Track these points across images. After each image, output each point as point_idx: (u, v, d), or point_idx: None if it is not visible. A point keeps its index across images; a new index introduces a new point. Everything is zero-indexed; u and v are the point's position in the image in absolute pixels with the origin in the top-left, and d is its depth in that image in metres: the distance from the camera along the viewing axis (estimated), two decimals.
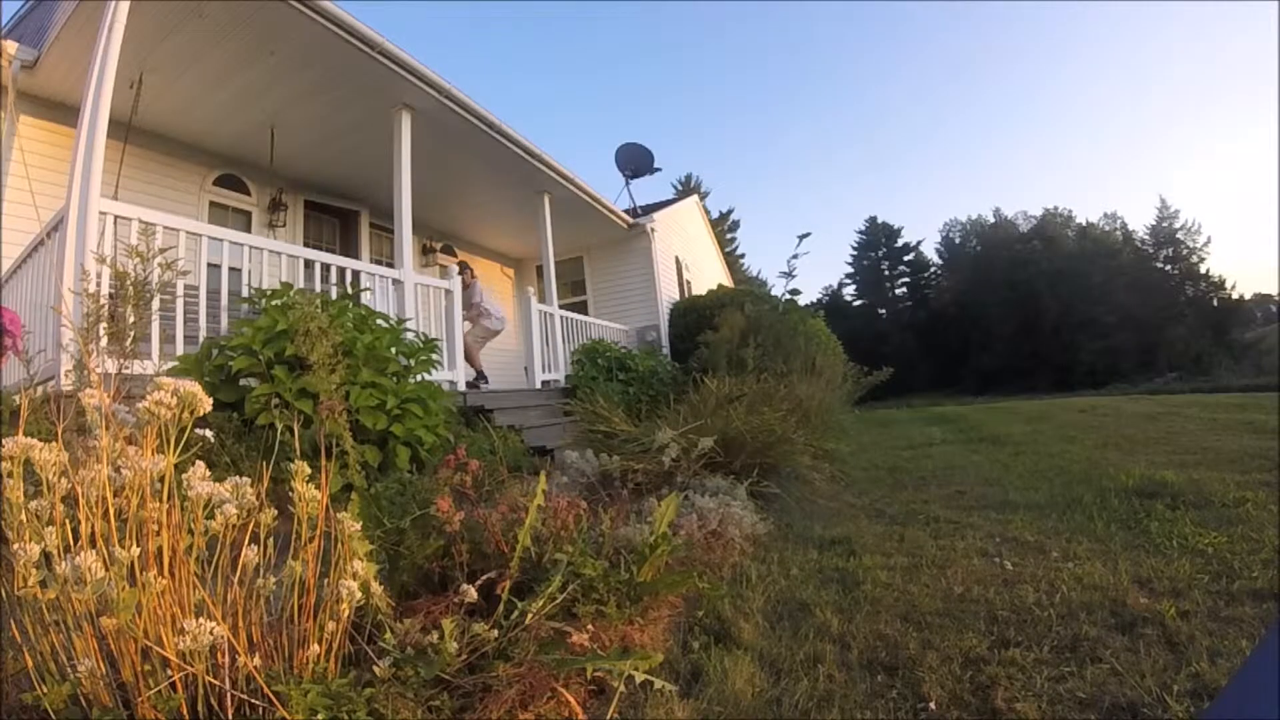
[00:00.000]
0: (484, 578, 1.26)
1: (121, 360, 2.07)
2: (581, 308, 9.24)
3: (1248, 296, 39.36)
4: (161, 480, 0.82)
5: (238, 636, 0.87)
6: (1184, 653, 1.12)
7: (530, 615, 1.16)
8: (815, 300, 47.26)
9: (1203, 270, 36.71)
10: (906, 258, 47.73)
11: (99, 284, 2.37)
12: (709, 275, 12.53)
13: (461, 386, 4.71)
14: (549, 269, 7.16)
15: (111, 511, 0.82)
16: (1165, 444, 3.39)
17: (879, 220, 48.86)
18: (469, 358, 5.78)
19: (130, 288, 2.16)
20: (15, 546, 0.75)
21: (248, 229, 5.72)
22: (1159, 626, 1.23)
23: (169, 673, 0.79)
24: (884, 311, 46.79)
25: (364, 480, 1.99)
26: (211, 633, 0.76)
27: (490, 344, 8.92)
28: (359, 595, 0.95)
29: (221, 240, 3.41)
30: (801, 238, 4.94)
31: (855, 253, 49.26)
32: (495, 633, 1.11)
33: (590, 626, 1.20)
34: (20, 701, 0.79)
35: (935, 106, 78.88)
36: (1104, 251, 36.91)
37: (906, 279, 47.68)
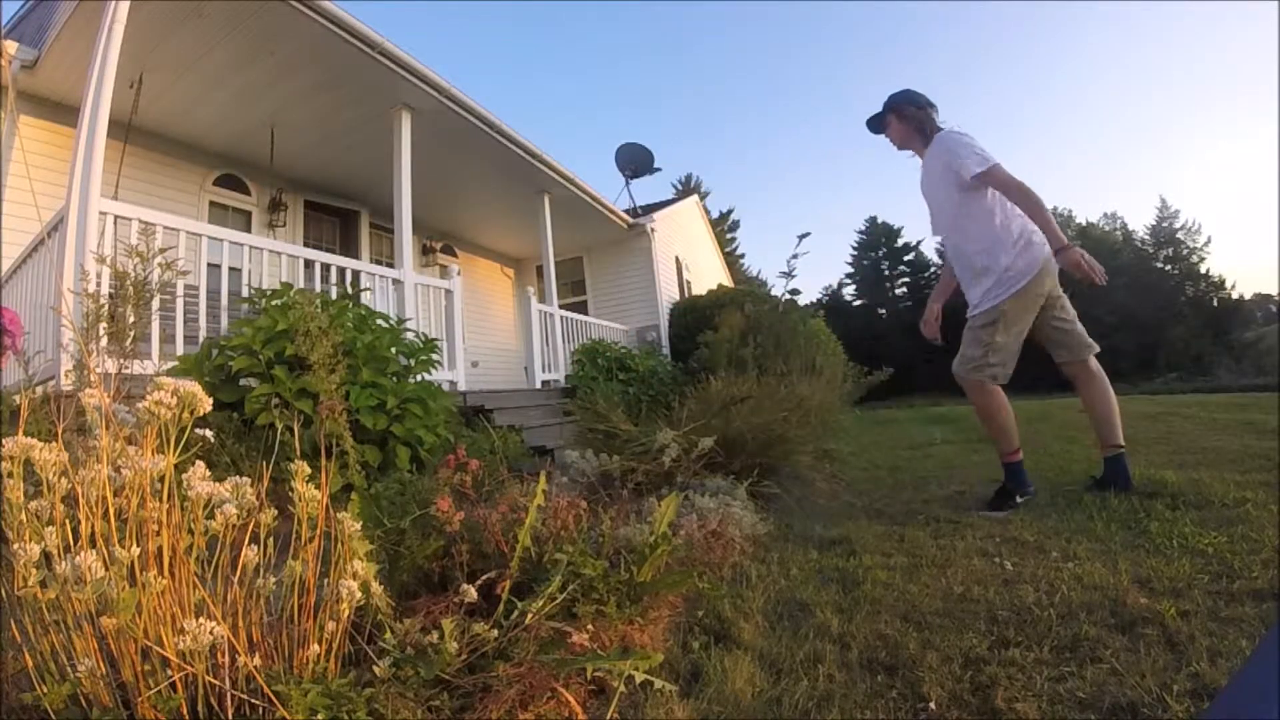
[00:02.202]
0: (484, 578, 1.26)
1: (121, 360, 2.07)
2: (581, 308, 9.25)
3: (1248, 296, 39.39)
4: (161, 480, 0.83)
5: (238, 636, 0.87)
6: (1184, 653, 1.12)
7: (530, 615, 1.16)
8: (815, 300, 47.20)
9: (1203, 270, 36.72)
10: (906, 258, 47.68)
11: (99, 284, 2.38)
12: (709, 275, 12.54)
13: (461, 386, 4.71)
14: (549, 269, 7.17)
15: (111, 511, 0.82)
16: (1165, 444, 3.38)
17: (879, 220, 48.80)
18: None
19: (130, 288, 2.16)
20: (15, 546, 0.75)
21: (248, 229, 5.73)
22: (1159, 626, 1.23)
23: (169, 673, 0.79)
24: (884, 311, 46.76)
25: (364, 480, 1.99)
26: (211, 633, 0.76)
27: (490, 344, 8.95)
28: (359, 595, 0.95)
29: (221, 240, 3.41)
30: (801, 237, 4.92)
31: (855, 253, 49.23)
32: (495, 633, 1.11)
33: (590, 626, 1.20)
34: (20, 701, 0.79)
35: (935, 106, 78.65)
36: (1104, 251, 36.86)
37: (906, 279, 47.63)
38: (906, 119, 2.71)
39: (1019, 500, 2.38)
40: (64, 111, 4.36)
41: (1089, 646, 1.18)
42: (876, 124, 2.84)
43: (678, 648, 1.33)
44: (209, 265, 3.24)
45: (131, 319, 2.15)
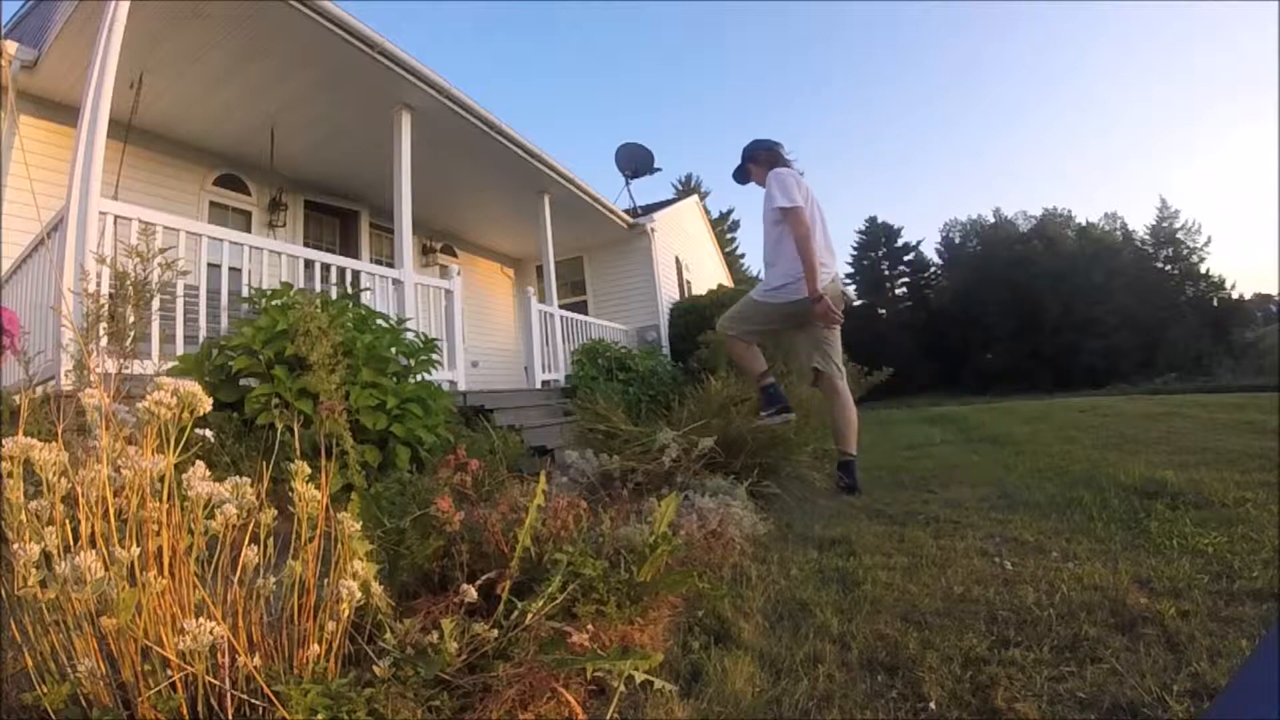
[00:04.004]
0: (484, 578, 1.26)
1: (121, 360, 2.07)
2: (581, 308, 9.24)
3: (1248, 296, 39.39)
4: (161, 480, 0.82)
5: (238, 636, 0.87)
6: (1184, 653, 1.12)
7: (530, 615, 1.16)
8: None
9: (1203, 270, 36.74)
10: (906, 258, 47.72)
11: (99, 284, 2.38)
12: (709, 275, 12.54)
13: (461, 386, 4.71)
14: (549, 269, 7.17)
15: (111, 511, 0.82)
16: (1165, 444, 3.38)
17: (879, 220, 48.86)
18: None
19: (130, 288, 2.16)
20: (15, 546, 0.75)
21: (248, 229, 5.73)
22: (1159, 626, 1.23)
23: (169, 673, 0.79)
24: (884, 311, 46.78)
25: (364, 480, 1.99)
26: (211, 633, 0.76)
27: (490, 344, 8.94)
28: (359, 595, 0.95)
29: (221, 240, 3.41)
30: None
31: (855, 253, 49.28)
32: (495, 633, 1.11)
33: (590, 626, 1.20)
34: (20, 701, 0.79)
35: (935, 107, 78.99)
36: (1104, 251, 36.92)
37: (906, 279, 47.68)
38: (760, 163, 3.30)
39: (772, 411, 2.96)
40: (64, 111, 4.36)
41: (1089, 646, 1.18)
42: (741, 175, 3.44)
43: (678, 648, 1.33)
44: (209, 265, 3.24)
45: (131, 319, 2.15)
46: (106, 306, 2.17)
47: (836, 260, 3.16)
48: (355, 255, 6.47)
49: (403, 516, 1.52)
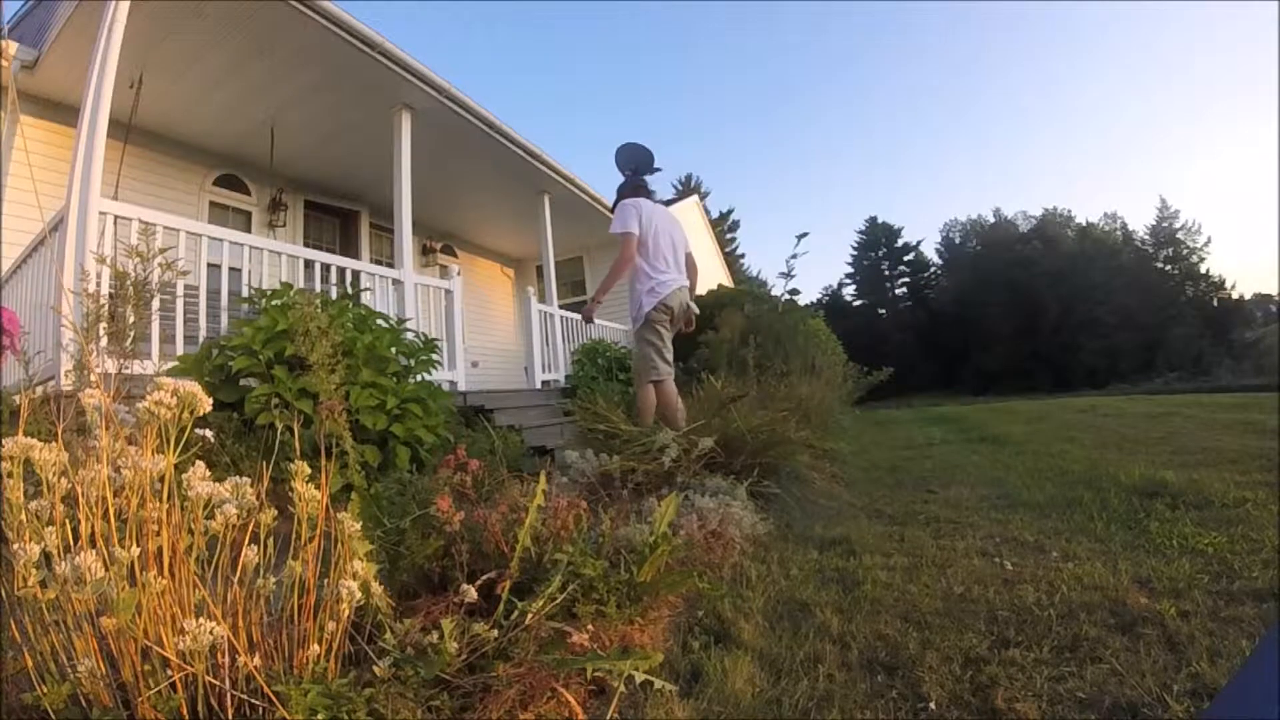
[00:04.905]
0: (484, 578, 1.26)
1: (121, 360, 2.07)
2: (581, 308, 9.22)
3: (1248, 296, 39.39)
4: (161, 480, 0.82)
5: (238, 636, 0.87)
6: (1184, 653, 1.12)
7: (530, 615, 1.16)
8: (815, 300, 47.32)
9: (1203, 270, 36.76)
10: (906, 258, 47.73)
11: (99, 284, 2.37)
12: (709, 275, 12.52)
13: (461, 386, 4.71)
14: (549, 269, 7.16)
15: (111, 511, 0.82)
16: (1165, 444, 3.38)
17: (879, 220, 48.88)
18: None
19: (130, 288, 2.16)
20: (15, 546, 0.75)
21: (248, 229, 5.72)
22: (1159, 626, 1.23)
23: (169, 673, 0.79)
24: (884, 311, 46.81)
25: (364, 480, 1.99)
26: (211, 633, 0.76)
27: (490, 344, 8.94)
28: (359, 595, 0.95)
29: (221, 240, 3.41)
30: (800, 237, 4.92)
31: (855, 253, 49.30)
32: (495, 633, 1.11)
33: (590, 626, 1.20)
34: (20, 701, 0.79)
35: (936, 107, 79.07)
36: (1104, 251, 36.94)
37: (906, 279, 47.68)
38: (624, 198, 3.88)
39: None
40: (64, 111, 4.36)
41: (1089, 646, 1.18)
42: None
43: (678, 648, 1.33)
44: (209, 265, 3.24)
45: (131, 319, 2.15)
46: (106, 306, 2.17)
47: (683, 275, 3.66)
48: (355, 255, 6.47)
49: (403, 516, 1.52)
